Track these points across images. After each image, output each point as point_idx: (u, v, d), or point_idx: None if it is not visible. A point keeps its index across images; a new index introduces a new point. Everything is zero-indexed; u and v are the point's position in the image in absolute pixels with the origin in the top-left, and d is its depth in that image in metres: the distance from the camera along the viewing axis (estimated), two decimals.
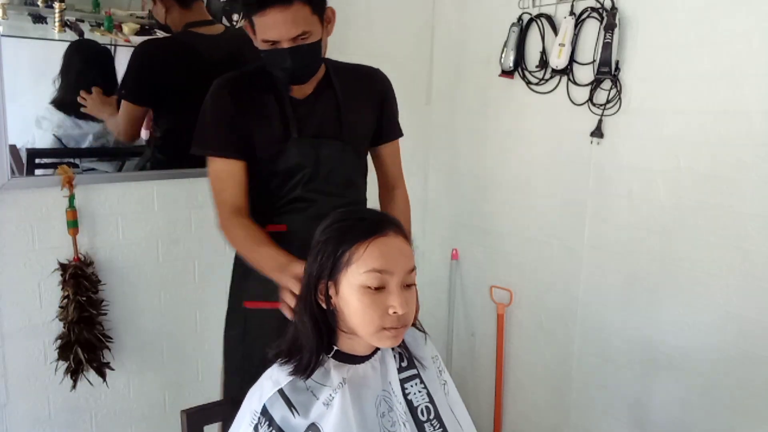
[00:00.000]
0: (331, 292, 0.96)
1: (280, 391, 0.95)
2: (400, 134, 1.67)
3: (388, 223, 0.98)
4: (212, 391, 2.05)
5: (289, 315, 1.18)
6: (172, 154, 1.87)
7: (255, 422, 0.94)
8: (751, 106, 1.51)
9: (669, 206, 1.69)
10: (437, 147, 2.44)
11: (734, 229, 1.56)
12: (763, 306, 1.53)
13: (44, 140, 1.68)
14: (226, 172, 1.48)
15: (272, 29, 1.32)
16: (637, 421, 1.81)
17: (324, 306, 0.97)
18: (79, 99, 1.71)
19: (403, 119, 2.38)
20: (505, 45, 2.05)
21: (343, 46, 2.16)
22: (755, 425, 1.56)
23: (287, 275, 1.22)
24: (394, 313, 0.94)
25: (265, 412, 0.94)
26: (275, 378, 0.98)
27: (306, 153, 1.45)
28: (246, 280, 1.52)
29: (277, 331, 1.39)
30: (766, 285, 1.52)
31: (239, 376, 1.52)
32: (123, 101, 1.77)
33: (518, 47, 2.02)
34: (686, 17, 1.63)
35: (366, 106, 1.55)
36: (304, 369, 0.97)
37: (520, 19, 2.01)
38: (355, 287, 0.94)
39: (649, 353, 1.76)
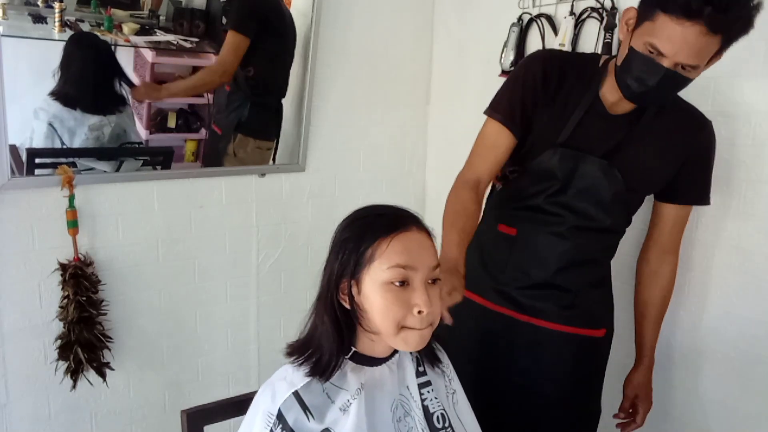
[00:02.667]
0: (354, 290, 0.93)
1: (295, 394, 0.93)
2: (699, 202, 1.43)
3: (409, 218, 0.96)
4: (212, 391, 2.05)
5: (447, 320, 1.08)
6: (265, 89, 2.04)
7: (270, 425, 0.92)
8: (751, 106, 1.51)
9: None
10: (437, 147, 2.44)
11: (734, 229, 1.56)
12: (763, 306, 1.53)
13: (40, 130, 1.67)
14: (492, 140, 1.40)
15: (672, 43, 1.12)
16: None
17: (346, 306, 0.94)
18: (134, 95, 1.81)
19: (404, 119, 2.40)
20: (505, 45, 2.05)
21: (344, 46, 2.17)
22: (755, 425, 1.56)
23: (448, 275, 1.13)
24: (419, 312, 0.91)
25: (280, 415, 0.91)
26: (290, 379, 0.95)
27: (561, 164, 1.34)
28: (470, 264, 1.48)
29: (466, 324, 1.44)
30: (766, 285, 1.52)
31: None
32: (230, 34, 1.88)
33: (518, 47, 2.02)
34: None
35: (670, 152, 1.35)
36: (322, 371, 0.94)
37: (520, 19, 2.01)
38: (378, 284, 0.91)
39: None
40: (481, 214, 1.54)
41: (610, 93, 1.32)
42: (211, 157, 2.00)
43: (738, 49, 1.51)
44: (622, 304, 1.61)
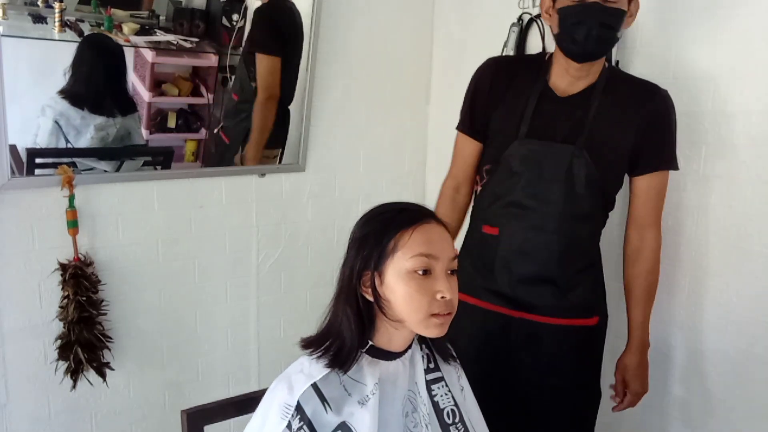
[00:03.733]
0: (376, 282, 0.96)
1: (314, 386, 0.94)
2: (668, 167, 1.45)
3: (427, 213, 1.00)
4: (212, 390, 2.05)
5: None
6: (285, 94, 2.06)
7: (288, 417, 0.93)
8: (750, 106, 1.51)
9: (669, 206, 1.69)
10: (437, 147, 2.44)
11: (734, 229, 1.56)
12: (763, 306, 1.53)
13: (45, 127, 1.67)
14: (459, 148, 1.57)
15: None
16: (636, 421, 1.81)
17: (368, 298, 0.97)
18: None
19: (404, 119, 2.40)
20: (505, 45, 2.05)
21: (344, 46, 2.17)
22: (755, 425, 1.56)
23: None
24: (442, 297, 0.94)
25: (299, 407, 0.93)
26: (308, 371, 0.96)
27: (529, 154, 1.40)
28: (461, 268, 1.54)
29: (463, 327, 1.42)
30: (766, 285, 1.52)
31: None
32: (262, 58, 1.95)
33: (518, 47, 2.02)
34: (686, 17, 1.62)
35: (627, 124, 1.40)
36: (342, 363, 0.96)
37: (520, 19, 2.01)
38: (402, 273, 0.94)
39: (650, 354, 1.76)
40: (468, 219, 1.62)
41: (559, 79, 1.42)
42: (218, 164, 2.01)
43: (738, 49, 1.52)
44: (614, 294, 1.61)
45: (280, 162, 2.11)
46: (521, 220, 1.42)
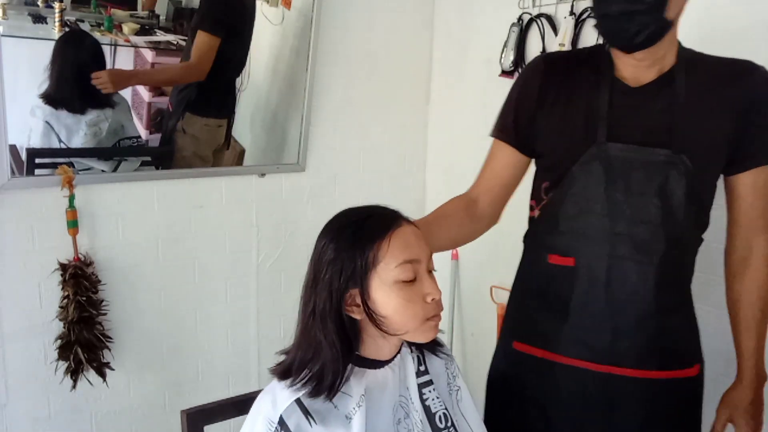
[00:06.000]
0: (359, 300, 0.92)
1: (297, 401, 0.91)
2: None
3: (395, 215, 0.97)
4: (212, 391, 2.05)
5: None
6: (215, 75, 1.96)
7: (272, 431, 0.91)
8: None
9: None
10: (437, 147, 2.44)
11: None
12: None
13: (37, 128, 1.67)
14: (494, 158, 1.28)
15: None
16: None
17: (355, 317, 0.93)
18: (95, 83, 1.72)
19: (404, 119, 2.40)
20: (505, 45, 2.05)
21: (344, 46, 2.17)
22: None
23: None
24: (432, 299, 0.93)
25: (282, 422, 0.90)
26: (291, 389, 0.93)
27: (613, 163, 1.10)
28: (518, 312, 1.30)
29: (539, 388, 1.23)
30: None
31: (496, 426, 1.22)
32: (202, 35, 1.87)
33: (518, 47, 2.02)
34: (685, 17, 1.62)
35: (719, 112, 1.10)
36: (327, 390, 0.91)
37: (520, 19, 2.01)
38: (389, 284, 0.91)
39: None
40: (520, 255, 1.35)
41: (624, 69, 1.14)
42: (164, 134, 1.96)
43: (738, 48, 1.52)
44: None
45: (228, 135, 2.05)
46: (604, 247, 1.13)
